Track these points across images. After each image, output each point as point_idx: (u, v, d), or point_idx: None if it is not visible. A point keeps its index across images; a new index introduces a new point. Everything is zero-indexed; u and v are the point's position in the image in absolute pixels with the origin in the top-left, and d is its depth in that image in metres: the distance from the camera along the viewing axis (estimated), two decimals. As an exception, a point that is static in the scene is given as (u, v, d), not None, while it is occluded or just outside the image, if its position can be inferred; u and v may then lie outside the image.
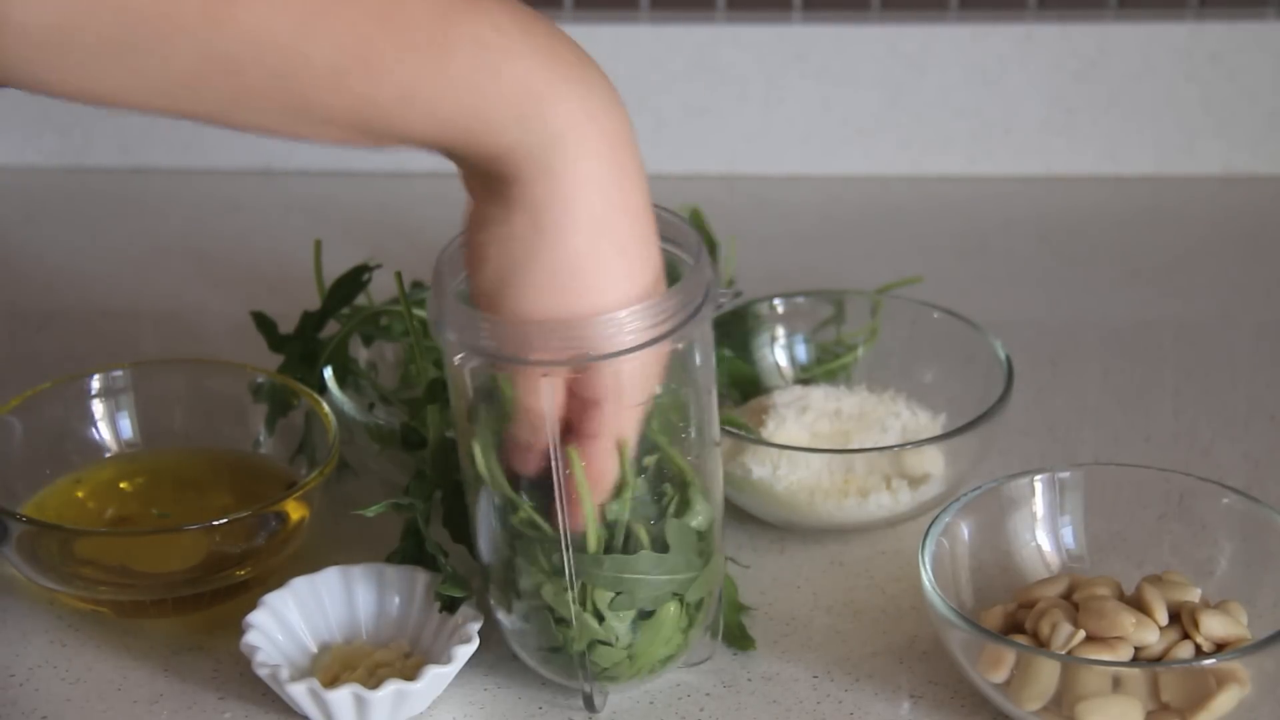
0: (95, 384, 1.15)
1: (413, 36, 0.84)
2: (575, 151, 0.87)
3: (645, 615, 0.98)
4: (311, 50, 0.82)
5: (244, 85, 0.82)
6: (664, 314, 0.92)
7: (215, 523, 1.05)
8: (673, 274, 0.95)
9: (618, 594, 0.96)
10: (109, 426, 1.15)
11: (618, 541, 0.96)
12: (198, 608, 1.07)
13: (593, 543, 0.95)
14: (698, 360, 0.96)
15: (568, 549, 0.95)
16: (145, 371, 1.16)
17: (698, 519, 0.98)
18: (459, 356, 0.93)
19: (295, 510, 1.07)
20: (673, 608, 0.98)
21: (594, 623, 0.97)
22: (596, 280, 0.89)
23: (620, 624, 0.97)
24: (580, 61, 0.88)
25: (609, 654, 0.98)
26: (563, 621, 0.97)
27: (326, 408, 1.12)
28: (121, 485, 1.13)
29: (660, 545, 0.97)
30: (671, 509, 0.97)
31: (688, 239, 0.97)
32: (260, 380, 1.15)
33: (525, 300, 0.89)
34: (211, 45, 0.80)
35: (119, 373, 1.15)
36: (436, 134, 0.86)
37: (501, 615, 1.01)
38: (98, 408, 1.15)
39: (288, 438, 1.14)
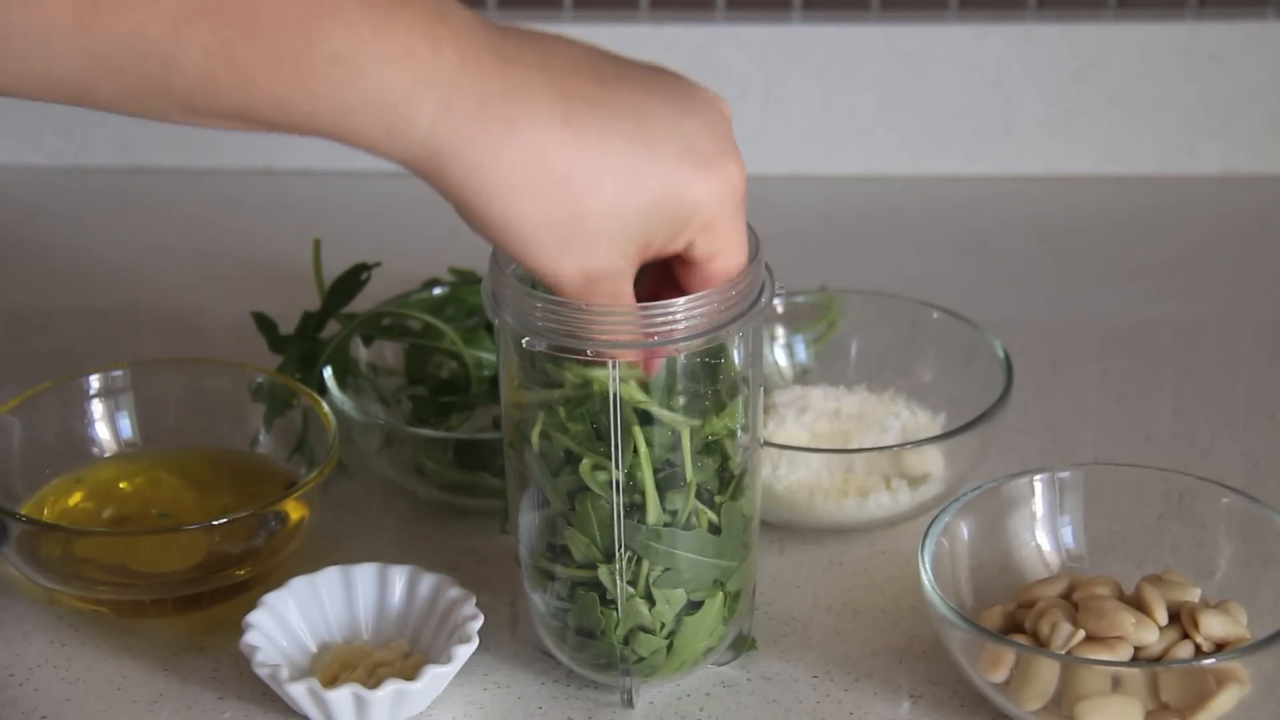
0: (94, 384, 1.15)
1: (275, 48, 0.82)
2: (452, 148, 0.85)
3: (690, 609, 0.99)
4: (182, 57, 0.81)
5: (128, 84, 0.82)
6: (722, 305, 0.94)
7: (215, 522, 1.05)
8: None
9: (665, 570, 0.97)
10: (108, 426, 1.15)
11: (677, 522, 0.97)
12: (198, 607, 1.07)
13: (652, 515, 0.96)
14: (752, 355, 0.98)
15: (619, 520, 0.96)
16: (144, 371, 1.16)
17: (749, 506, 1.00)
18: (525, 340, 0.94)
19: (295, 510, 1.07)
20: (720, 596, 0.99)
21: (642, 607, 0.98)
22: (562, 210, 0.87)
23: (668, 609, 0.98)
24: (434, 45, 0.84)
25: (649, 642, 0.99)
26: (610, 604, 0.98)
27: (325, 407, 1.12)
28: (121, 485, 1.13)
29: (713, 529, 0.98)
30: (727, 495, 0.99)
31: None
32: (259, 380, 1.15)
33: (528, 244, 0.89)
34: (90, 48, 0.80)
35: (118, 373, 1.15)
36: (330, 137, 0.85)
37: (538, 598, 1.01)
38: (97, 408, 1.15)
39: (287, 437, 1.14)
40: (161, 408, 1.16)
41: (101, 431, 1.15)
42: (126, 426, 1.15)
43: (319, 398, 1.13)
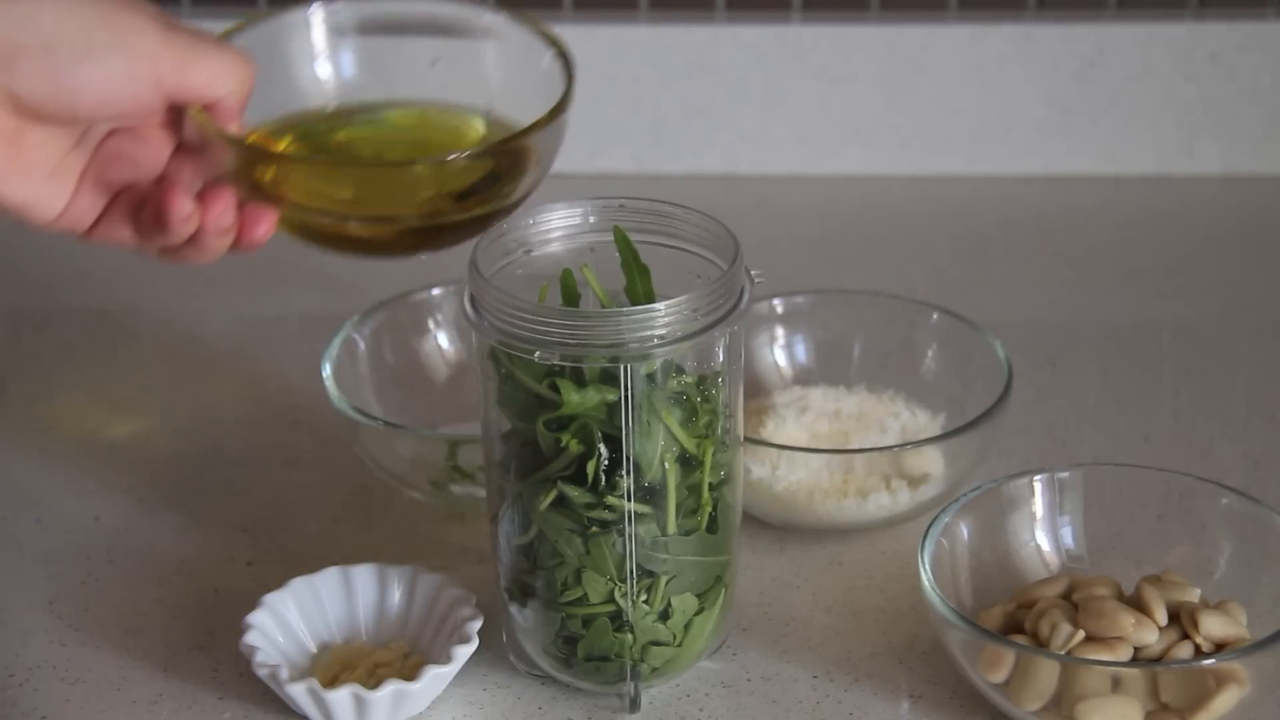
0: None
1: None
2: None
3: (697, 611, 1.00)
4: None
5: None
6: (707, 308, 0.95)
7: (448, 157, 1.00)
8: None
9: (672, 579, 0.98)
10: (332, 66, 1.09)
11: (681, 527, 0.98)
12: (428, 244, 1.02)
13: (671, 523, 0.97)
14: (735, 356, 0.98)
15: (632, 539, 0.97)
16: None
17: (733, 496, 1.00)
18: (539, 353, 0.94)
19: (523, 151, 1.01)
20: (723, 593, 1.00)
21: (659, 624, 0.98)
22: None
23: (681, 619, 0.99)
24: None
25: (662, 653, 1.00)
26: (623, 627, 0.98)
27: (562, 47, 1.05)
28: (341, 135, 1.08)
29: (710, 527, 0.99)
30: (718, 494, 0.99)
31: (723, 243, 0.99)
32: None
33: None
34: None
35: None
36: None
37: (539, 636, 1.01)
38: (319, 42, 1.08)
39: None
40: None
41: (323, 72, 1.09)
42: (349, 64, 1.09)
43: (556, 36, 1.06)
